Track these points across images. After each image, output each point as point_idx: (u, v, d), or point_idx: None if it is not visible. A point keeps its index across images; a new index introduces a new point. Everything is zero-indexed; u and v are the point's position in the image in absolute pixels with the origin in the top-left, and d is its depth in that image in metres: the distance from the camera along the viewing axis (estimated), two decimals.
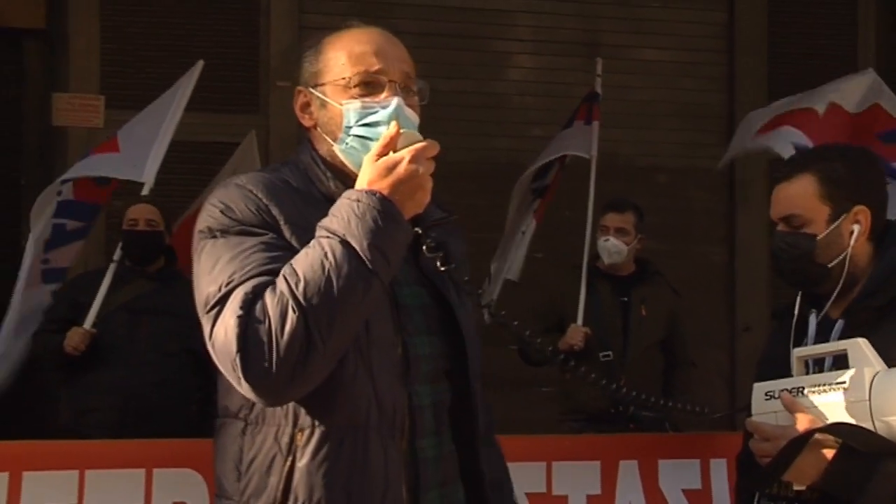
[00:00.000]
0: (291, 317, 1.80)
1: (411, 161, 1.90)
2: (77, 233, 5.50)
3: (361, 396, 1.94)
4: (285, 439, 1.94)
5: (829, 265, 2.39)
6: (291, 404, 1.94)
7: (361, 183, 1.92)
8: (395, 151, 1.92)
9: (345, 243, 1.84)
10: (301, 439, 1.93)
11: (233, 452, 2.01)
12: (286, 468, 1.93)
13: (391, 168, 1.90)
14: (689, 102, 7.99)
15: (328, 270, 1.82)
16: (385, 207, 1.87)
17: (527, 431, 5.81)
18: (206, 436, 4.93)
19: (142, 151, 5.29)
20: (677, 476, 3.88)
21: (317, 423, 1.93)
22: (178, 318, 4.87)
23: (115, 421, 4.73)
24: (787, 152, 5.51)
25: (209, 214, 1.99)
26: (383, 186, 1.89)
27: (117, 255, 5.06)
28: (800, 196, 2.42)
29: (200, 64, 5.64)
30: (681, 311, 5.57)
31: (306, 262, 1.85)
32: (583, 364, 4.94)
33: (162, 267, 5.10)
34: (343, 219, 1.87)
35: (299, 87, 2.14)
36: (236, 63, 7.40)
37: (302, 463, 1.92)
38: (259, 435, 1.97)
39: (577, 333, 5.20)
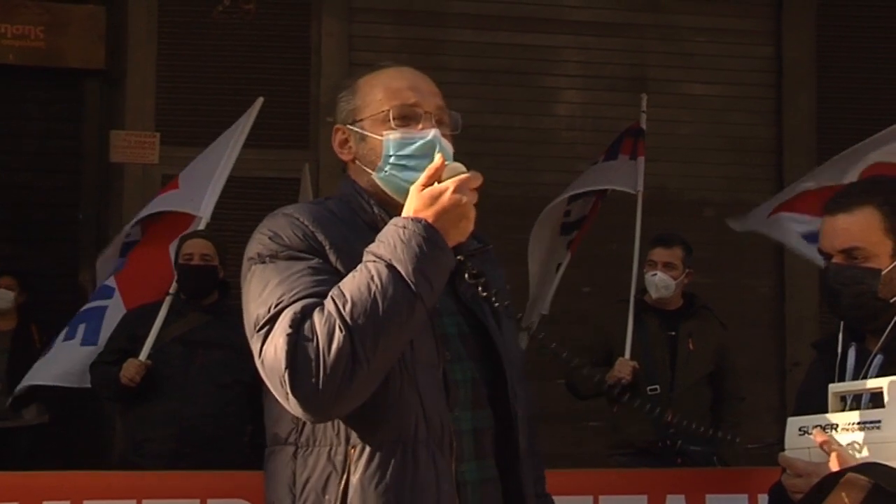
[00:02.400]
0: (339, 336, 1.88)
1: (455, 191, 1.97)
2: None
3: (409, 412, 2.01)
4: (339, 457, 2.00)
5: (892, 300, 2.33)
6: (342, 423, 2.01)
7: (408, 211, 1.99)
8: (439, 182, 2.00)
9: (391, 267, 1.92)
10: (354, 455, 1.99)
11: (285, 477, 2.06)
12: (342, 485, 1.99)
13: (436, 197, 1.97)
14: (737, 136, 7.99)
15: (374, 293, 1.90)
16: (430, 234, 1.94)
17: (575, 465, 5.83)
18: (257, 465, 5.03)
19: (199, 186, 5.42)
20: None
21: (368, 439, 2.00)
22: (232, 351, 4.96)
23: (171, 451, 4.79)
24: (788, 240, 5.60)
25: (258, 241, 2.08)
26: (428, 215, 1.96)
27: (173, 288, 5.15)
28: (863, 229, 2.34)
29: (260, 101, 5.74)
30: (729, 345, 5.55)
31: (353, 284, 1.92)
32: (631, 399, 5.03)
33: (216, 300, 5.18)
34: (389, 244, 1.94)
35: (337, 126, 2.24)
36: (288, 100, 7.53)
37: (355, 478, 1.98)
38: (311, 456, 2.03)
39: (624, 367, 5.20)
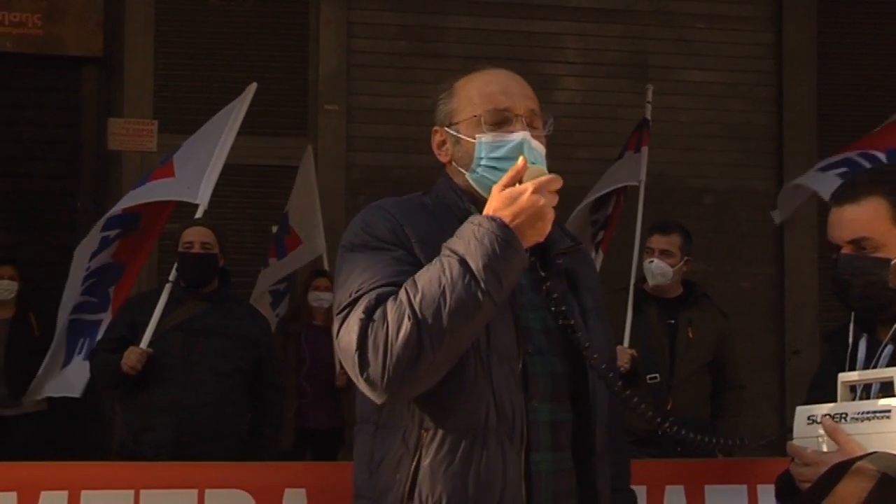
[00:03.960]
0: (406, 324, 1.98)
1: (534, 192, 2.04)
2: (115, 237, 5.60)
3: (480, 401, 2.08)
4: (412, 440, 2.11)
5: None
6: (417, 408, 2.10)
7: (487, 210, 2.07)
8: (521, 183, 2.07)
9: (462, 262, 2.00)
10: (426, 439, 2.09)
11: (366, 453, 2.18)
12: (412, 467, 2.10)
13: (515, 198, 2.04)
14: (737, 123, 7.97)
15: (444, 286, 1.99)
16: (504, 233, 2.01)
17: None
18: (257, 454, 5.02)
19: (196, 174, 5.38)
20: (724, 502, 3.84)
21: (440, 424, 2.09)
22: (231, 340, 4.96)
23: (170, 439, 4.78)
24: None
25: (352, 231, 2.20)
26: (506, 214, 2.04)
27: (173, 276, 5.13)
28: (871, 219, 2.36)
29: (253, 87, 5.70)
30: (729, 334, 5.52)
31: (426, 276, 2.02)
32: (629, 387, 5.02)
33: (216, 288, 5.17)
34: (464, 240, 2.03)
35: (435, 128, 2.32)
36: (285, 87, 7.52)
37: (426, 462, 2.09)
38: (388, 437, 2.14)
39: (623, 355, 5.18)
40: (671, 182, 7.69)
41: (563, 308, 2.19)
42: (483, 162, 2.21)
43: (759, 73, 8.11)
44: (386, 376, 1.99)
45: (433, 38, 7.33)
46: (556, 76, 7.95)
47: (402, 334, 1.97)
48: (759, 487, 3.78)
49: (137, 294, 5.56)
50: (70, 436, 6.49)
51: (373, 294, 2.05)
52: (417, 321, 1.97)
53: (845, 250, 2.40)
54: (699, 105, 7.96)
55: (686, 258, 5.37)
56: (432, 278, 2.00)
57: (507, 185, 2.07)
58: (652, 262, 5.31)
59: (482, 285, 1.98)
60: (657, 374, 5.23)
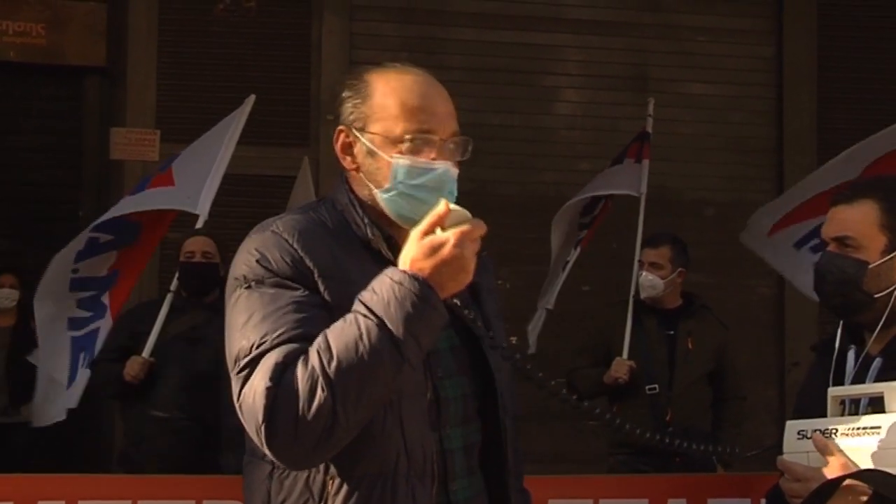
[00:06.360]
0: (320, 395, 1.82)
1: (456, 244, 1.87)
2: (108, 244, 5.54)
3: (391, 446, 1.96)
4: (317, 486, 1.96)
5: (875, 296, 2.36)
6: None
7: (405, 259, 1.90)
8: (442, 229, 1.90)
9: (381, 326, 1.84)
10: (332, 486, 1.95)
11: (261, 494, 2.02)
12: None
13: (436, 249, 1.87)
14: (738, 136, 7.99)
15: (361, 352, 1.83)
16: (424, 293, 1.86)
17: (573, 464, 5.83)
18: None
19: (196, 184, 5.40)
20: None
21: (347, 471, 1.95)
22: None
23: (171, 448, 4.79)
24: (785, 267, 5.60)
25: (244, 262, 2.00)
26: (426, 266, 1.87)
27: (174, 285, 5.15)
28: (858, 220, 2.38)
29: (252, 98, 5.74)
30: (729, 345, 5.56)
31: (341, 339, 1.85)
32: (628, 398, 5.06)
33: (217, 298, 5.17)
34: (383, 300, 1.85)
35: (341, 127, 2.10)
36: (288, 97, 7.53)
37: None
38: (287, 479, 1.98)
39: (621, 367, 5.23)
40: (672, 194, 7.70)
41: (490, 305, 2.12)
42: (399, 186, 2.01)
43: (760, 86, 8.12)
44: (295, 448, 1.85)
45: (435, 50, 7.34)
46: (557, 88, 7.97)
47: (315, 405, 1.81)
48: (763, 502, 3.77)
49: (138, 303, 5.57)
50: (69, 444, 6.48)
51: (279, 353, 1.86)
52: (332, 391, 1.81)
53: (831, 247, 2.43)
54: (700, 118, 7.97)
55: (679, 270, 5.41)
56: (349, 343, 1.83)
57: (426, 232, 1.89)
58: (642, 274, 5.40)
59: (402, 351, 1.84)
60: (656, 385, 5.26)
